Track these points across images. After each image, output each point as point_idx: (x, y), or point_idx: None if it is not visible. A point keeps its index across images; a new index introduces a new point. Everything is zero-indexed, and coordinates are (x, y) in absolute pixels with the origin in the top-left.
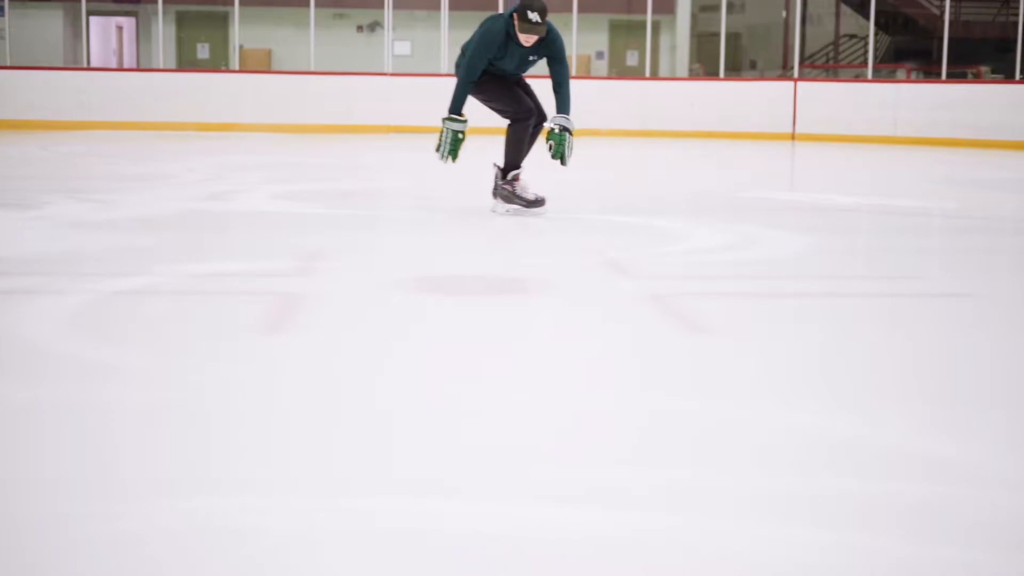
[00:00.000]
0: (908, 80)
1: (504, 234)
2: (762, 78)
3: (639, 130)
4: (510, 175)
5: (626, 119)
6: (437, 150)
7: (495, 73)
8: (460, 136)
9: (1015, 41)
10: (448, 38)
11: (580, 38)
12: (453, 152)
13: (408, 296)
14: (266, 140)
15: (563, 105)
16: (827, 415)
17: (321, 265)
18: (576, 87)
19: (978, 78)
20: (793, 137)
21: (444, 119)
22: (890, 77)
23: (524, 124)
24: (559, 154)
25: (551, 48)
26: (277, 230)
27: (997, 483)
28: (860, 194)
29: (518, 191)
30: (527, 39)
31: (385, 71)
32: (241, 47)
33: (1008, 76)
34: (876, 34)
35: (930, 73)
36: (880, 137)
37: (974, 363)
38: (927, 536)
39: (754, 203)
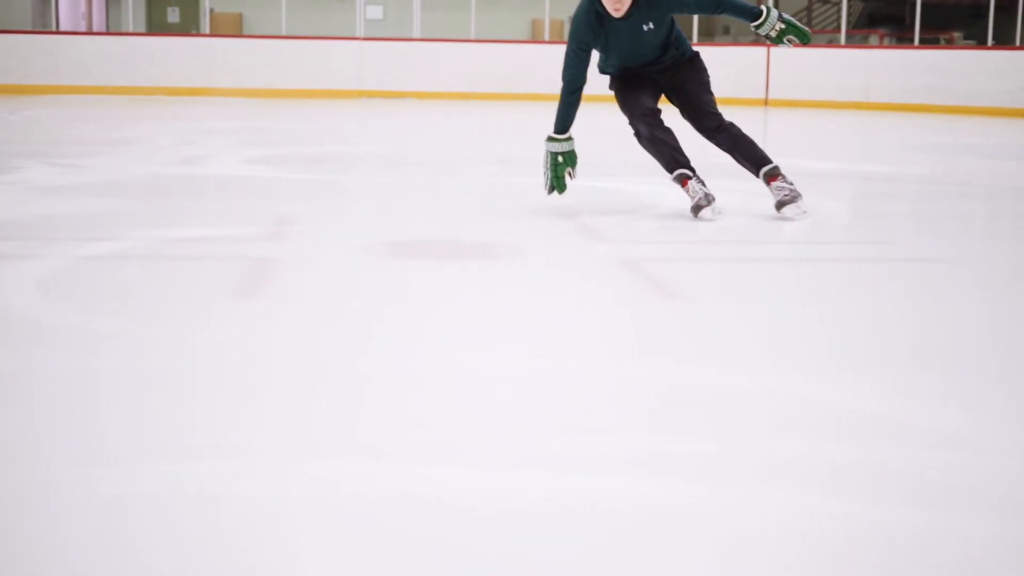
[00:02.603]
0: (881, 46)
1: (477, 199)
2: (735, 43)
3: (613, 96)
4: (672, 179)
5: (600, 84)
6: (545, 184)
7: (625, 75)
8: (561, 160)
9: (987, 7)
10: (420, 2)
11: (552, 3)
12: (558, 182)
13: (381, 261)
14: (238, 105)
15: (744, 12)
16: (819, 382)
17: (294, 230)
18: (549, 52)
19: (951, 44)
20: (766, 103)
21: (545, 140)
22: (863, 43)
23: (637, 135)
24: (799, 37)
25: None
26: (249, 195)
27: (1005, 451)
28: (833, 160)
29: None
30: (615, 5)
31: (357, 35)
32: (212, 11)
33: (981, 42)
34: (849, 0)
35: (903, 39)
36: (853, 103)
37: (958, 328)
38: (939, 504)
39: (727, 168)
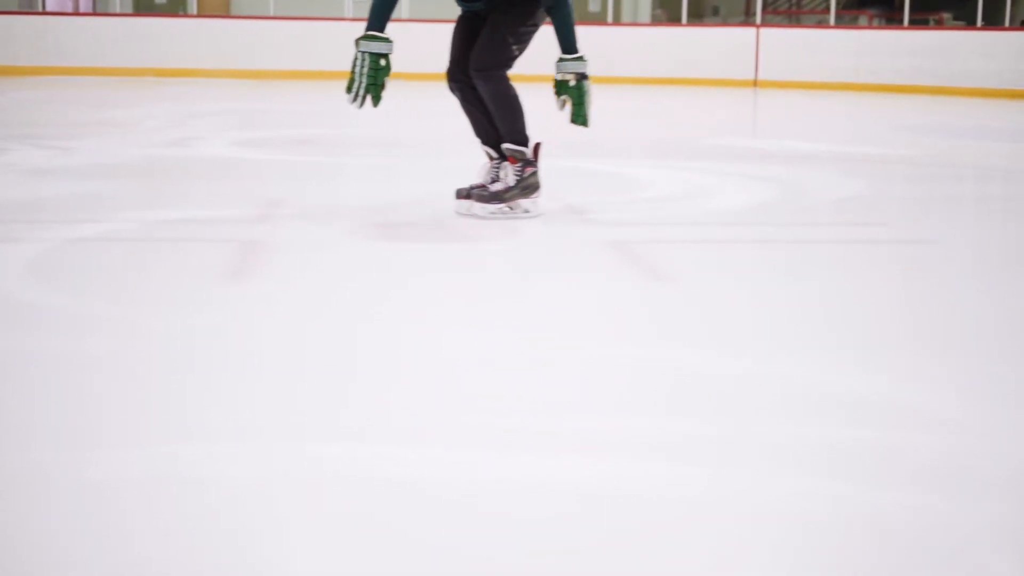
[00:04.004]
0: (870, 27)
1: (467, 181)
2: (724, 24)
3: (601, 76)
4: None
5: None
6: (348, 90)
7: (462, 16)
8: (382, 64)
9: None
10: None
11: None
12: (376, 90)
13: (372, 244)
14: (226, 86)
15: (565, 36)
16: (818, 366)
17: (284, 213)
18: (538, 34)
19: (940, 25)
20: (755, 84)
21: (357, 40)
22: (852, 24)
23: (451, 91)
24: (578, 117)
25: None
26: (239, 177)
27: (1007, 435)
28: (823, 141)
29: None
30: None
31: (345, 16)
32: None
33: (969, 23)
34: None
35: (892, 20)
36: (842, 84)
37: (955, 310)
38: (941, 488)
39: (717, 150)
